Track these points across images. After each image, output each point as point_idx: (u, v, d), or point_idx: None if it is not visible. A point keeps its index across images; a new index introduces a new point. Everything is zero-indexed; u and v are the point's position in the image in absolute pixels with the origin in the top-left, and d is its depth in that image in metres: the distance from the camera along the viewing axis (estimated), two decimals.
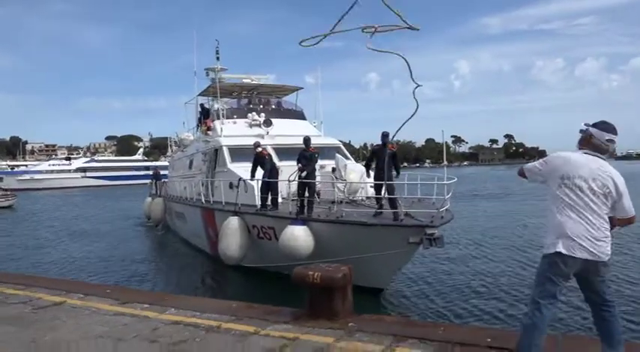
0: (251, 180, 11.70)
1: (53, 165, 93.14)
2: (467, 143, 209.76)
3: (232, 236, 11.31)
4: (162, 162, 65.11)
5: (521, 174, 3.94)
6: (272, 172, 11.36)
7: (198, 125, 21.66)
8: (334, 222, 9.38)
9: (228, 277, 12.67)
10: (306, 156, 10.80)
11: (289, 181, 10.87)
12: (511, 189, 39.03)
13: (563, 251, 3.44)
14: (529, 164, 3.89)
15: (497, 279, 10.93)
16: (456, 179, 8.97)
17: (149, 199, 25.29)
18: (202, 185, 15.23)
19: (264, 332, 5.10)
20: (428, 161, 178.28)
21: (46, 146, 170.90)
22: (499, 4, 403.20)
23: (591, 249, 3.43)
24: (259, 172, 11.65)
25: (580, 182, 3.48)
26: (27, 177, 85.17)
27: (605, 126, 3.59)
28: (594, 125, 3.62)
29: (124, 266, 14.64)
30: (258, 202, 11.55)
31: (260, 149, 11.84)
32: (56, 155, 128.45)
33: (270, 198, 11.16)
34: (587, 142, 3.61)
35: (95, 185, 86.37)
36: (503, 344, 4.38)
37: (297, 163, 10.87)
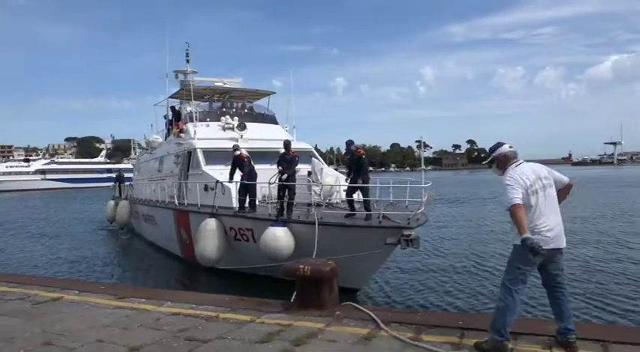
0: (230, 182, 11.87)
1: (10, 166, 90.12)
2: (431, 148, 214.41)
3: (209, 238, 11.36)
4: (126, 165, 63.82)
5: (518, 211, 4.08)
6: (250, 175, 11.59)
7: (169, 127, 21.42)
8: (314, 224, 9.52)
9: (202, 278, 12.64)
10: (287, 159, 11.07)
11: (269, 184, 11.13)
12: (476, 193, 40.76)
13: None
14: (515, 199, 4.12)
15: (465, 274, 11.73)
16: (430, 183, 9.37)
17: (112, 202, 24.62)
18: (175, 187, 15.15)
19: (260, 321, 5.62)
20: (393, 165, 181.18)
21: (2, 147, 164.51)
22: (464, 12, 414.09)
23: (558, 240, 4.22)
24: (237, 175, 11.91)
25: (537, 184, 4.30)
26: None
27: (499, 144, 4.60)
28: (495, 149, 4.56)
29: (92, 269, 14.21)
30: (235, 204, 11.69)
31: (239, 152, 12.12)
32: (13, 156, 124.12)
33: (248, 200, 11.40)
34: (508, 158, 4.46)
35: (55, 187, 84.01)
36: (472, 325, 5.06)
37: (278, 166, 11.09)
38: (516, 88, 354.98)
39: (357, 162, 10.51)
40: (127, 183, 26.27)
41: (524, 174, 4.31)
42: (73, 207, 41.31)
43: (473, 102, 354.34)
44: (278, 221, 10.11)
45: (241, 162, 11.78)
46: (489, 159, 4.61)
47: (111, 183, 29.98)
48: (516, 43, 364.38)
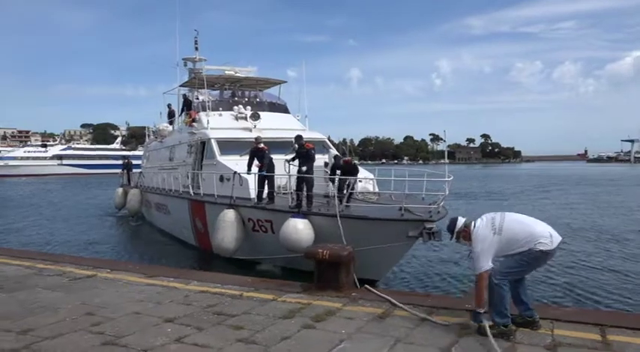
0: (248, 173, 11.94)
1: (28, 151, 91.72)
2: (445, 141, 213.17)
3: (228, 228, 11.41)
4: (139, 152, 64.49)
5: (485, 278, 4.67)
6: (269, 166, 11.74)
7: (174, 116, 21.60)
8: (336, 216, 9.50)
9: (217, 266, 12.53)
10: (302, 153, 11.23)
11: (290, 175, 11.29)
12: (489, 188, 40.95)
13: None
14: (483, 267, 4.64)
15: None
16: (452, 177, 9.34)
17: (120, 189, 24.64)
18: (188, 177, 15.10)
19: (282, 299, 6.06)
20: (406, 158, 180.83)
21: (19, 132, 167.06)
22: (484, 4, 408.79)
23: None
24: (253, 166, 11.97)
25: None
26: (1, 163, 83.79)
27: (454, 219, 5.10)
28: (454, 225, 5.02)
29: (106, 254, 14.57)
30: (252, 195, 11.71)
31: (262, 144, 12.15)
32: (30, 141, 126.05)
33: (267, 191, 11.54)
34: (468, 228, 4.91)
35: (71, 173, 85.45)
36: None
37: (292, 160, 11.36)
38: (534, 82, 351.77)
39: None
40: (133, 171, 26.27)
41: (483, 226, 4.78)
42: (87, 193, 42.29)
43: (489, 96, 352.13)
44: (299, 212, 10.26)
45: (261, 154, 11.84)
46: (454, 237, 5.02)
47: (119, 170, 29.86)
48: (536, 36, 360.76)
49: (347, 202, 10.28)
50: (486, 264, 4.65)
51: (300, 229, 9.89)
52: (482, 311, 4.71)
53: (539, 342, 4.52)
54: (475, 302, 4.77)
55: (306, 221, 10.01)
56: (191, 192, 14.57)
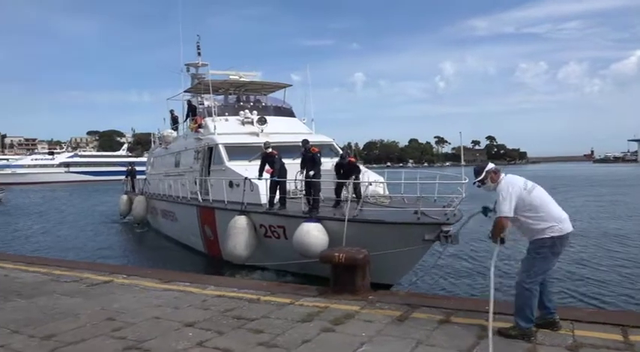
0: (259, 178, 11.85)
1: (36, 159, 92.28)
2: (450, 144, 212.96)
3: (240, 235, 11.27)
4: (144, 158, 64.58)
5: (504, 225, 4.68)
6: (281, 172, 11.63)
7: (178, 122, 21.49)
8: (351, 221, 9.43)
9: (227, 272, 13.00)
10: (309, 157, 11.30)
11: (302, 180, 11.31)
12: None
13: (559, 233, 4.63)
14: (507, 211, 4.64)
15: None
16: (468, 179, 8.98)
17: (124, 197, 24.51)
18: (196, 183, 14.94)
19: (299, 303, 6.08)
20: (411, 161, 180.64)
21: (26, 140, 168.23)
22: (488, 5, 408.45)
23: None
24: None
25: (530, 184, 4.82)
26: (9, 171, 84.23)
27: (483, 162, 5.11)
28: (484, 166, 4.98)
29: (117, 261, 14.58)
30: (263, 201, 11.57)
31: (270, 149, 12.05)
32: (37, 149, 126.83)
33: (278, 196, 11.44)
34: (498, 172, 4.92)
35: (79, 180, 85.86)
36: (500, 310, 5.42)
37: (302, 168, 11.43)
38: (539, 83, 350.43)
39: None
40: (137, 178, 26.08)
41: (516, 177, 4.84)
42: (93, 199, 42.50)
43: (493, 97, 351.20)
44: (312, 217, 10.20)
45: (272, 159, 11.74)
46: (482, 176, 4.93)
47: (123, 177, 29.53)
48: (540, 37, 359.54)
49: (359, 206, 10.17)
50: (509, 211, 4.62)
51: (313, 234, 9.78)
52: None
53: (561, 343, 4.51)
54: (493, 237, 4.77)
55: (319, 225, 9.93)
56: (199, 198, 14.43)
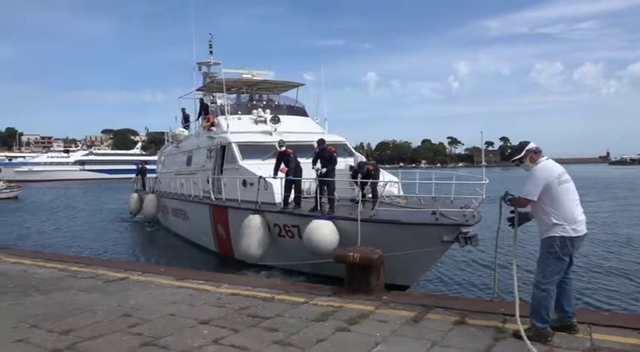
0: (274, 177, 11.68)
1: (52, 157, 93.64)
2: (463, 144, 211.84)
3: (254, 234, 11.22)
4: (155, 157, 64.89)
5: (523, 204, 4.72)
6: (296, 170, 11.60)
7: (189, 121, 21.55)
8: (365, 221, 9.37)
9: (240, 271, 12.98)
10: (325, 156, 11.18)
11: (316, 179, 11.10)
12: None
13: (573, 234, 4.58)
14: (533, 194, 4.62)
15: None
16: (487, 180, 8.91)
17: (135, 195, 24.42)
18: (208, 182, 14.85)
19: (313, 302, 6.09)
20: (423, 161, 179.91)
21: (42, 138, 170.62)
22: (501, 6, 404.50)
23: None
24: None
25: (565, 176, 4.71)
26: (25, 168, 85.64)
27: (526, 141, 4.88)
28: (526, 145, 4.82)
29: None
30: (278, 200, 11.54)
31: (284, 147, 12.06)
32: (52, 147, 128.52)
33: (293, 196, 11.36)
34: (539, 152, 4.79)
35: (93, 178, 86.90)
36: (513, 312, 5.38)
37: (314, 165, 11.27)
38: (553, 84, 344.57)
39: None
40: (148, 176, 26.05)
41: (556, 166, 4.73)
42: (106, 197, 43.10)
43: (507, 98, 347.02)
44: (323, 215, 10.20)
45: (287, 158, 11.72)
46: (522, 155, 4.79)
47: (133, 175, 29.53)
48: (555, 37, 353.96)
49: (375, 207, 10.10)
50: (533, 194, 4.60)
51: (324, 232, 9.74)
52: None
53: (578, 346, 4.47)
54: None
55: (330, 223, 9.90)
56: (212, 197, 14.34)
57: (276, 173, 11.72)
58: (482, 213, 9.19)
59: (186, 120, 22.11)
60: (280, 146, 12.03)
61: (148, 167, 28.24)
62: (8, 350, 4.46)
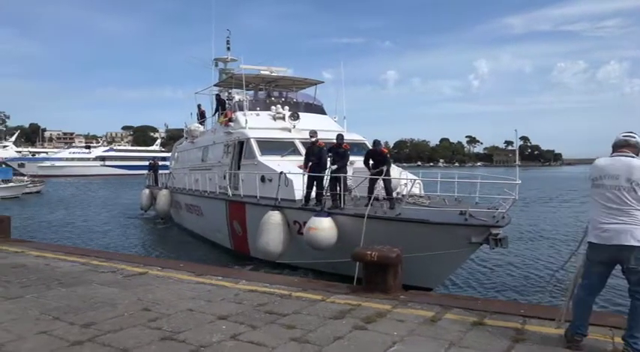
0: (308, 173, 11.18)
1: (73, 153, 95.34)
2: (481, 144, 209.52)
3: (273, 231, 11.05)
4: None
5: None
6: (324, 165, 11.13)
7: (205, 117, 21.59)
8: (393, 220, 9.19)
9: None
10: (340, 153, 10.99)
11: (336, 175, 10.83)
12: (533, 194, 40.02)
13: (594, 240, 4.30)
14: None
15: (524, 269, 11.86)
16: (519, 182, 8.51)
17: (146, 191, 24.48)
18: (225, 177, 14.79)
19: (330, 300, 6.09)
20: (442, 161, 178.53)
21: (64, 134, 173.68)
22: (523, 4, 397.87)
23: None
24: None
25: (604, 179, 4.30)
26: (48, 164, 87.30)
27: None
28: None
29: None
30: (297, 197, 11.37)
31: (315, 139, 11.59)
32: (74, 143, 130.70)
33: (315, 192, 11.09)
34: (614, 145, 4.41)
35: (114, 173, 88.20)
36: (532, 314, 5.33)
37: (330, 159, 11.02)
38: (576, 82, 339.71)
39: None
40: (160, 172, 26.26)
41: (593, 167, 4.41)
42: (123, 193, 43.80)
43: (528, 97, 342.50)
44: (322, 211, 10.08)
45: (320, 150, 11.29)
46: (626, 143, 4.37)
47: (146, 171, 29.58)
48: (579, 35, 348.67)
49: (393, 206, 10.01)
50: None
51: (321, 227, 9.73)
52: None
53: (601, 350, 4.40)
54: None
55: (329, 219, 9.83)
56: (229, 193, 14.20)
57: (306, 165, 11.31)
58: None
59: (202, 116, 22.08)
60: (311, 136, 11.73)
61: (160, 163, 28.34)
62: (32, 342, 4.55)
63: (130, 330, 4.89)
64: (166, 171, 25.13)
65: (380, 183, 10.74)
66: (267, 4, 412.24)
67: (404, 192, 11.00)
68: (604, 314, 5.78)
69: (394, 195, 10.78)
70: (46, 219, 24.97)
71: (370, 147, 15.43)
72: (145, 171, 26.59)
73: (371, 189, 10.47)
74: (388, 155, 11.41)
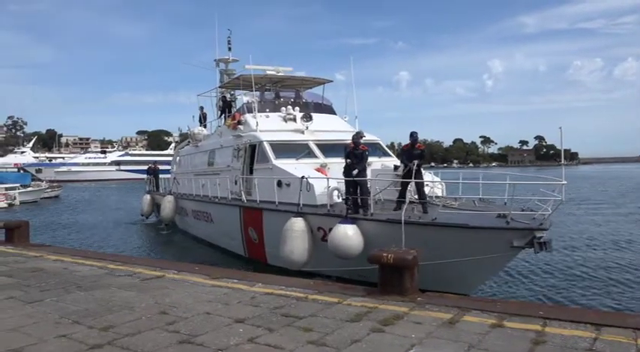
0: (354, 178, 10.35)
1: (89, 158, 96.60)
2: (496, 144, 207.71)
3: (297, 239, 10.56)
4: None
5: None
6: (365, 171, 10.59)
7: (206, 119, 20.98)
8: (430, 225, 8.78)
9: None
10: (357, 154, 10.51)
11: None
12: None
13: None
14: None
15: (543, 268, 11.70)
16: (566, 182, 8.20)
17: (147, 196, 23.86)
18: (237, 183, 14.19)
19: (347, 303, 6.07)
20: (455, 161, 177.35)
21: (80, 139, 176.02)
22: (538, 2, 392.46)
23: None
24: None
25: None
26: (64, 168, 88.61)
27: None
28: None
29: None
30: (319, 202, 10.97)
31: (361, 141, 10.87)
32: (90, 148, 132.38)
33: (352, 198, 10.29)
34: None
35: (129, 178, 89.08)
36: (552, 316, 5.25)
37: (346, 160, 10.49)
38: (593, 80, 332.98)
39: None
40: (161, 177, 25.64)
41: None
42: (133, 197, 43.83)
43: (543, 96, 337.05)
44: (347, 218, 9.67)
45: (362, 154, 10.64)
46: None
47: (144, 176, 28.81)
48: (595, 33, 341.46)
49: (426, 210, 9.68)
50: None
51: (346, 236, 9.39)
52: None
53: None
54: None
55: (354, 227, 9.48)
56: (243, 198, 13.71)
57: (350, 171, 10.49)
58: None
59: (204, 118, 21.45)
60: (360, 137, 10.99)
61: (161, 168, 27.53)
62: (52, 346, 4.60)
63: (147, 333, 4.92)
64: (167, 176, 24.46)
65: (412, 186, 10.29)
66: (281, 7, 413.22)
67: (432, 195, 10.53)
68: (622, 314, 5.67)
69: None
70: (60, 222, 25.47)
71: (386, 149, 15.33)
72: (162, 176, 25.99)
73: (403, 192, 10.05)
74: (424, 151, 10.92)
